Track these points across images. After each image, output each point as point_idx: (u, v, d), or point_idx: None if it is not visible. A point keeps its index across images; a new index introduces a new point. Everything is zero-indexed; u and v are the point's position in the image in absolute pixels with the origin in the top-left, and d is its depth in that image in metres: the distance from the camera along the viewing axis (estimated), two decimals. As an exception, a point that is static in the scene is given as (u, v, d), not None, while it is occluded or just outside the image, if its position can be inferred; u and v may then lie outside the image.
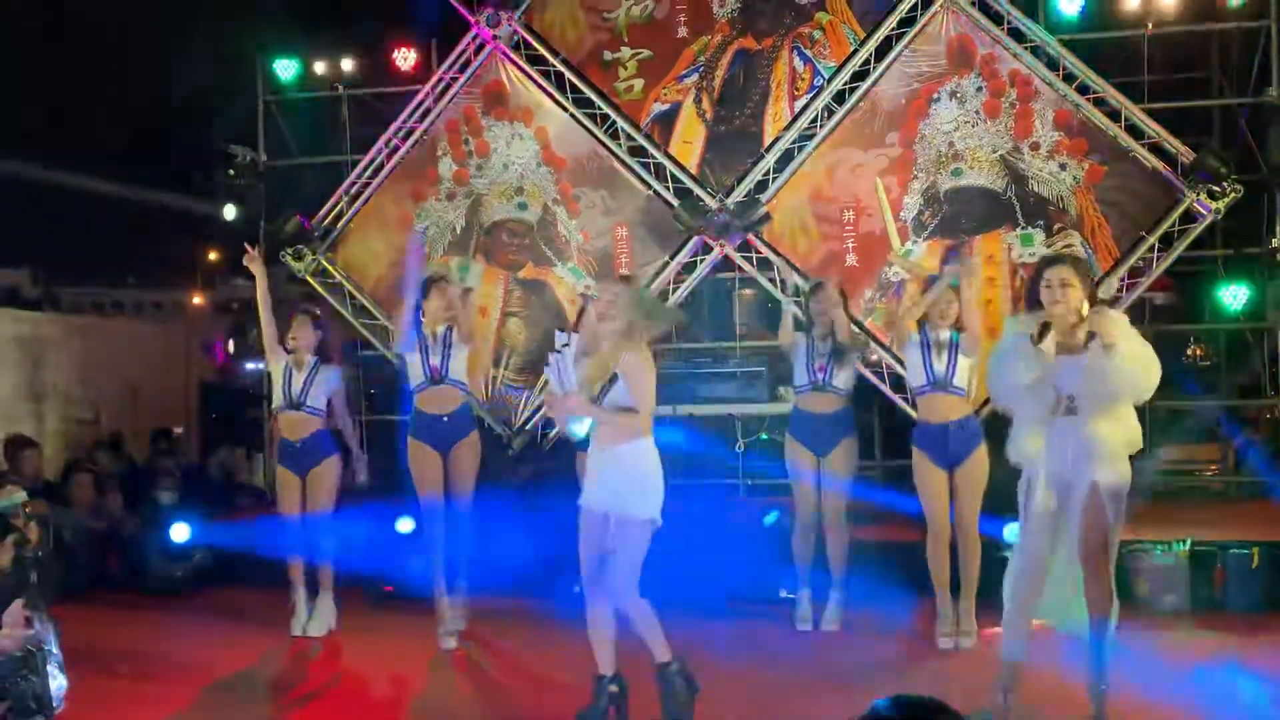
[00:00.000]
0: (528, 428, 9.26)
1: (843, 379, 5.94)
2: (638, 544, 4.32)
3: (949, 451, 5.74)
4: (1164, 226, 8.23)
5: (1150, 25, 8.86)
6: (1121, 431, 4.35)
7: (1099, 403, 4.25)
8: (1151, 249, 8.28)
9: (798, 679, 5.28)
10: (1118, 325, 4.27)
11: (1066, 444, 4.28)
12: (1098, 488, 4.25)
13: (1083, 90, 8.35)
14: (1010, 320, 4.79)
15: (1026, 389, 4.33)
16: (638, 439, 4.35)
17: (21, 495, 7.09)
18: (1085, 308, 4.29)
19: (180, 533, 7.57)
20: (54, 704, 2.77)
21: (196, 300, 27.74)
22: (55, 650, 2.79)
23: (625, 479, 4.34)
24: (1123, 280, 8.34)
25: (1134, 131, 8.27)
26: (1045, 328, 4.34)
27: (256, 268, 6.30)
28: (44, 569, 6.94)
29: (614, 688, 4.38)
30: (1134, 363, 4.24)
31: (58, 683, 2.79)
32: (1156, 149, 8.23)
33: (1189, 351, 12.77)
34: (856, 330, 6.14)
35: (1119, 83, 8.46)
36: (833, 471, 5.98)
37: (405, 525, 6.51)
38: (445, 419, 6.13)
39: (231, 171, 10.17)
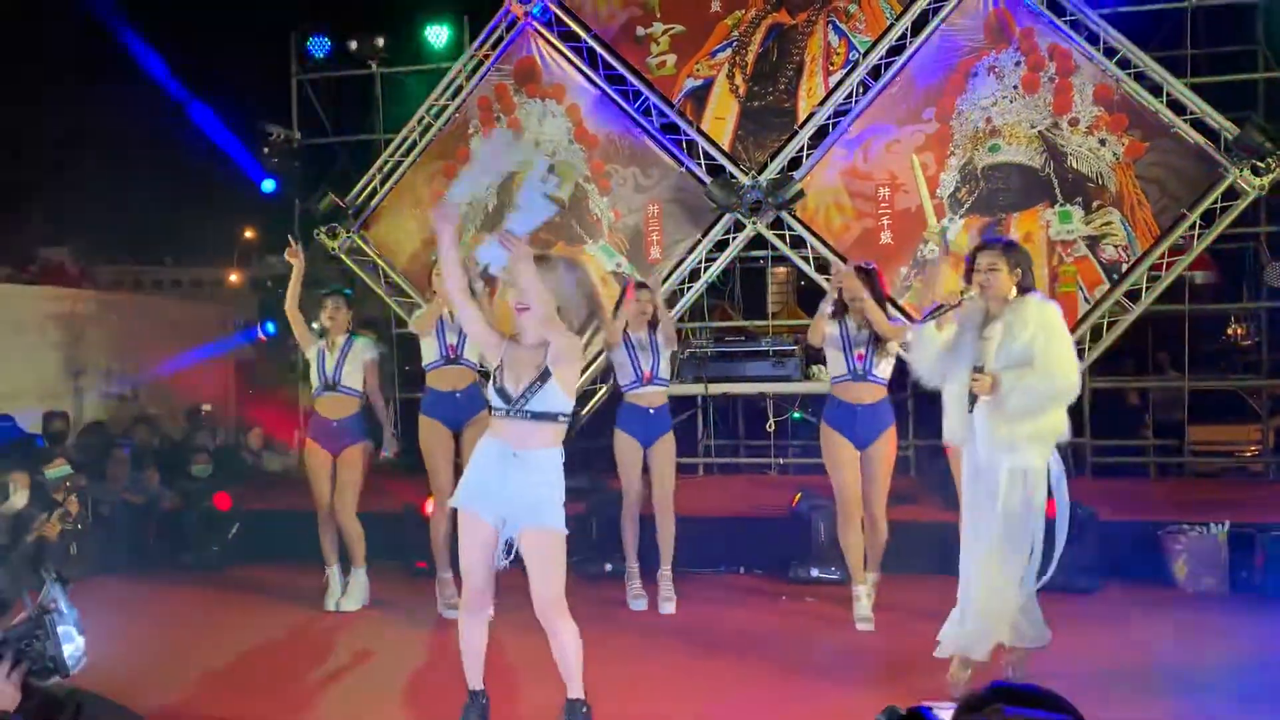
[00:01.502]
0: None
1: (884, 367, 5.71)
2: (561, 556, 3.90)
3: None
4: (1206, 203, 8.08)
5: (1193, -2, 8.69)
6: (1043, 418, 4.28)
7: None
8: (1193, 226, 8.14)
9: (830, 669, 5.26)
10: (1036, 317, 4.27)
11: (984, 426, 4.31)
12: (1011, 472, 4.25)
13: (1123, 65, 8.21)
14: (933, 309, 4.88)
15: (950, 371, 4.41)
16: (555, 446, 3.89)
17: (67, 468, 7.22)
18: (1013, 293, 4.33)
19: (222, 501, 7.67)
20: (70, 663, 2.80)
21: (233, 278, 27.94)
22: (66, 609, 2.81)
23: (545, 488, 3.86)
24: (1162, 258, 8.21)
25: (1176, 106, 8.12)
26: (938, 309, 4.45)
27: (296, 263, 6.31)
28: (83, 542, 7.08)
29: (485, 701, 4.14)
30: (1046, 370, 4.21)
31: (74, 644, 2.82)
32: (1199, 124, 8.08)
33: (1229, 330, 12.60)
34: (895, 315, 5.85)
35: (1160, 57, 8.30)
36: (874, 464, 5.65)
37: (429, 507, 6.51)
38: (458, 395, 6.16)
39: (266, 149, 10.22)
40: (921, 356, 4.60)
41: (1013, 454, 4.23)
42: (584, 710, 3.98)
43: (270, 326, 10.57)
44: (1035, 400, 4.19)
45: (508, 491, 3.85)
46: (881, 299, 5.65)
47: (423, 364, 6.26)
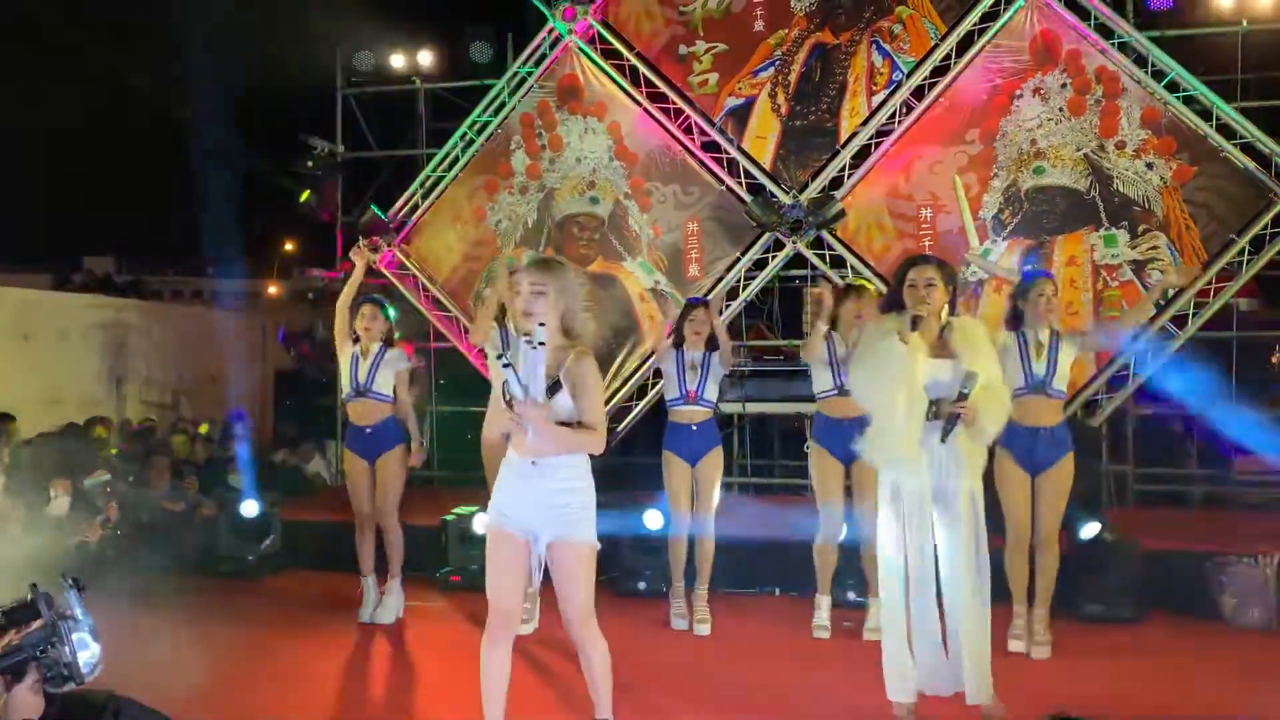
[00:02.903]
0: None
1: None
2: (591, 570, 3.80)
3: (1036, 459, 5.46)
4: (1255, 229, 7.96)
5: (1245, 22, 8.58)
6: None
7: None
8: (1241, 252, 8.01)
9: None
10: (983, 337, 4.23)
11: (936, 450, 4.14)
12: (972, 495, 4.16)
13: (1171, 88, 8.12)
14: (874, 323, 4.45)
15: (896, 391, 4.10)
16: (578, 452, 3.76)
17: (106, 475, 7.30)
18: (946, 311, 4.23)
19: (249, 508, 7.67)
20: (85, 670, 2.80)
21: (273, 290, 28.22)
22: (82, 617, 2.82)
23: (570, 495, 3.75)
24: (1210, 284, 8.08)
25: (1225, 131, 8.01)
26: (916, 321, 4.14)
27: (360, 260, 6.43)
28: (123, 548, 7.14)
29: None
30: (995, 406, 4.16)
31: (90, 651, 2.82)
32: (1248, 148, 7.97)
33: (1274, 359, 12.37)
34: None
35: (1210, 80, 8.20)
36: (867, 483, 5.49)
37: (478, 523, 6.50)
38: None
39: (310, 163, 10.31)
40: (875, 375, 4.23)
41: (972, 478, 4.17)
42: None
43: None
44: (998, 423, 4.18)
45: (532, 503, 3.74)
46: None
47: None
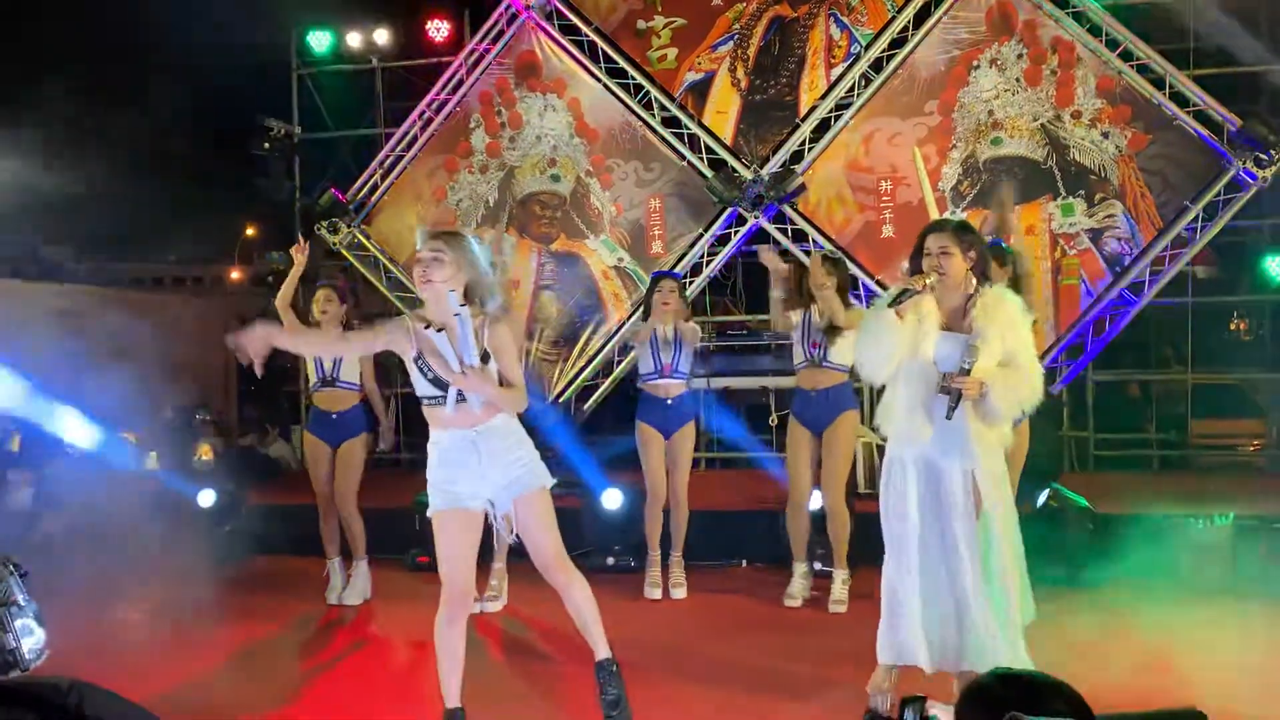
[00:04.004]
0: (561, 400, 9.27)
1: (842, 354, 5.72)
2: (553, 512, 3.91)
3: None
4: (1209, 196, 8.06)
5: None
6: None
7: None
8: (1195, 219, 8.12)
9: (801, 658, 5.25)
10: (1008, 312, 3.90)
11: (939, 427, 3.89)
12: (972, 476, 3.89)
13: (1126, 57, 8.19)
14: (887, 291, 4.18)
15: (897, 364, 3.93)
16: (502, 411, 3.83)
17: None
18: (971, 281, 3.93)
19: (205, 498, 7.65)
20: (30, 657, 2.78)
21: (234, 275, 27.96)
22: (25, 603, 2.79)
23: (518, 449, 3.85)
24: (1165, 251, 8.19)
25: (1179, 99, 8.10)
26: (903, 294, 3.87)
27: (299, 258, 6.31)
28: (87, 535, 7.07)
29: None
30: (1028, 372, 3.89)
31: (35, 638, 2.80)
32: (1202, 116, 8.06)
33: (1232, 325, 12.57)
34: (853, 305, 5.90)
35: (1163, 49, 8.28)
36: (830, 451, 5.81)
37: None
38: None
39: (266, 145, 10.20)
40: (875, 347, 4.00)
41: (986, 457, 3.91)
42: (614, 668, 3.97)
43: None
44: (1016, 403, 3.89)
45: (486, 471, 3.81)
46: (845, 288, 5.81)
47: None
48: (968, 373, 3.82)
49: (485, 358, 3.72)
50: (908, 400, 3.96)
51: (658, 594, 6.23)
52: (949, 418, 3.86)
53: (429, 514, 3.91)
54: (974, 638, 3.88)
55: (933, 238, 3.97)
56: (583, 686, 4.20)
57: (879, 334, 3.95)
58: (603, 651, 3.98)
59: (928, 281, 3.90)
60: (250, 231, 28.65)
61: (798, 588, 6.06)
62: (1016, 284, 5.39)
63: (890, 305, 3.90)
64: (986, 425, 3.90)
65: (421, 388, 3.81)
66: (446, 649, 3.87)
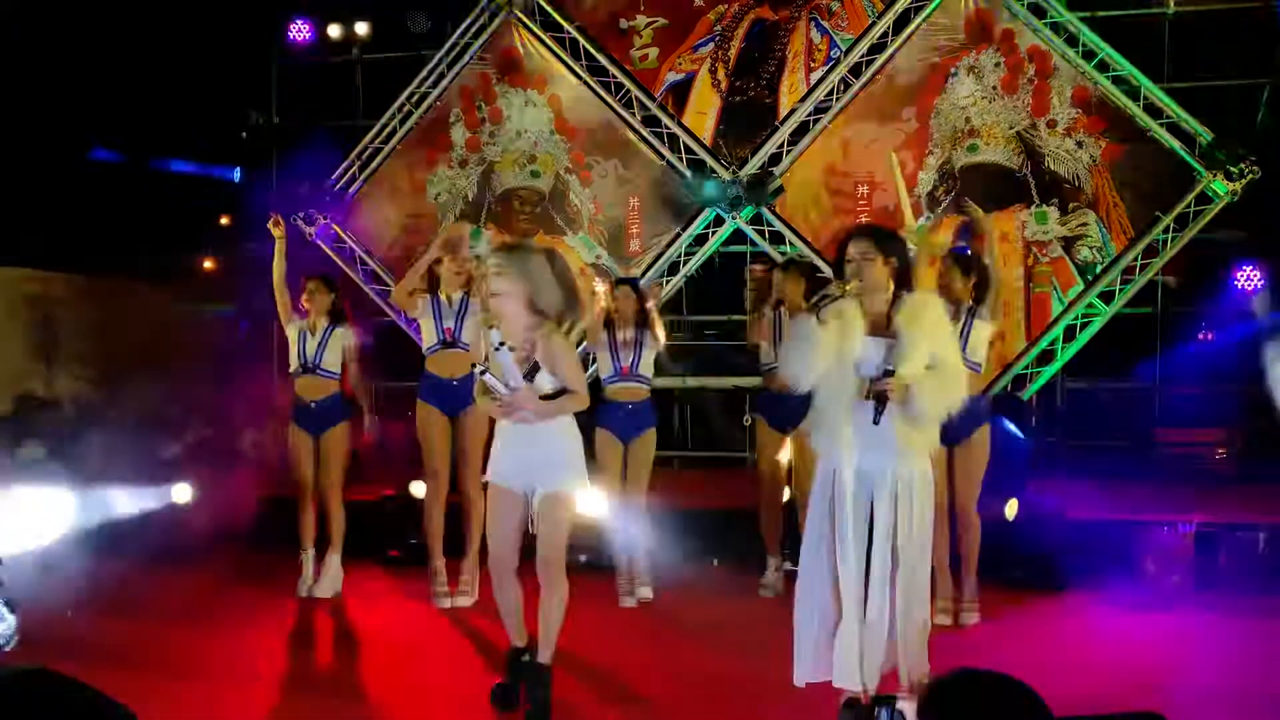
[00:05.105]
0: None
1: None
2: (571, 517, 4.18)
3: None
4: (1180, 207, 8.18)
5: (1172, 4, 8.76)
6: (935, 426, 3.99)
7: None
8: (1166, 229, 8.23)
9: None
10: (932, 316, 3.91)
11: (867, 431, 3.84)
12: (900, 479, 3.87)
13: (1101, 68, 8.29)
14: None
15: (822, 370, 3.89)
16: (567, 413, 4.11)
17: (40, 452, 7.18)
18: (891, 286, 3.91)
19: (181, 493, 7.60)
20: (0, 642, 2.78)
21: (207, 264, 27.73)
22: None
23: (556, 452, 4.10)
24: (1136, 260, 8.30)
25: (1152, 110, 8.21)
26: (822, 299, 3.86)
27: (279, 233, 6.30)
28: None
29: (526, 658, 4.16)
30: (953, 374, 3.90)
31: (5, 623, 2.80)
32: (1175, 128, 8.17)
33: (1200, 335, 12.70)
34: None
35: (1138, 61, 8.38)
36: (797, 451, 5.92)
37: (417, 489, 6.53)
38: (455, 383, 6.09)
39: (244, 134, 10.14)
40: (797, 354, 3.95)
41: (914, 461, 3.89)
42: (547, 676, 4.11)
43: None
44: (944, 405, 3.88)
45: (533, 459, 4.07)
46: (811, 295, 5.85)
47: (423, 348, 6.24)
48: (892, 374, 3.82)
49: (534, 371, 3.95)
50: (834, 406, 3.93)
51: (632, 602, 6.15)
52: (876, 422, 3.82)
53: (485, 478, 4.25)
54: (877, 639, 3.85)
55: (854, 244, 3.98)
56: (563, 684, 4.23)
57: (801, 340, 3.95)
58: (546, 656, 4.14)
59: (847, 287, 3.89)
60: (224, 221, 28.38)
61: (772, 578, 6.22)
62: (981, 291, 5.48)
63: (809, 310, 3.94)
64: (914, 429, 3.88)
65: (494, 384, 4.01)
66: (500, 599, 4.21)
